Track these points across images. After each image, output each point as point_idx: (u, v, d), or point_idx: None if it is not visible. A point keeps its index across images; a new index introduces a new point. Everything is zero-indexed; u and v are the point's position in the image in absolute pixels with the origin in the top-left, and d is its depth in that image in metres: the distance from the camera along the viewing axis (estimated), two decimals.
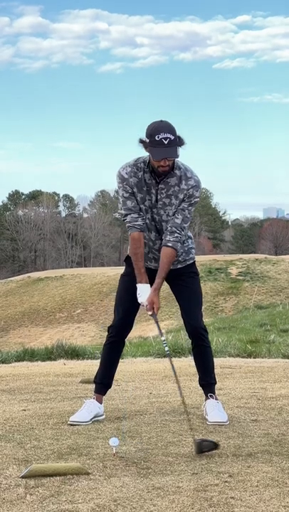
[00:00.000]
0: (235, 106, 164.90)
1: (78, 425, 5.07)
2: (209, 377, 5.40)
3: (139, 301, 5.12)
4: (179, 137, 4.92)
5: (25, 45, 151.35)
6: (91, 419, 5.17)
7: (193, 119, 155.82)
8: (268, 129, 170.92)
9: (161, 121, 4.97)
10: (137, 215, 5.11)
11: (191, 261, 5.39)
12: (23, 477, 3.80)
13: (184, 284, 5.34)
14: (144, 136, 4.98)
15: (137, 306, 5.27)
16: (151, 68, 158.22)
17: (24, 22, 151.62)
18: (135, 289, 5.19)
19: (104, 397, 5.41)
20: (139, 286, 5.12)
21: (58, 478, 3.79)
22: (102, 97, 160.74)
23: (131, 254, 5.19)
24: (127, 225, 5.16)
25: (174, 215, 5.13)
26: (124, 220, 5.19)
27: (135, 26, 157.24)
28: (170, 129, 4.91)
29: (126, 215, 5.13)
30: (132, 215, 5.11)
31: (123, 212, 5.16)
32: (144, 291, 5.09)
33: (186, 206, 5.12)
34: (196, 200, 5.16)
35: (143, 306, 5.12)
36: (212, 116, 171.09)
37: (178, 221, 5.12)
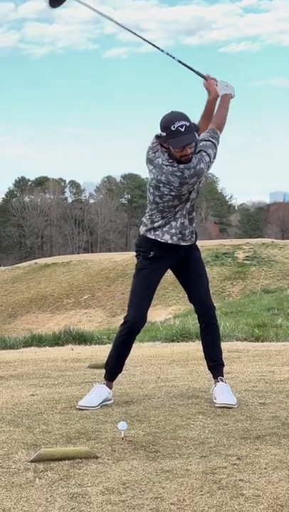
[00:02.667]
0: (241, 90, 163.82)
1: (86, 410, 5.08)
2: (218, 358, 5.40)
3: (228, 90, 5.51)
4: (194, 124, 4.97)
5: (31, 31, 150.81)
6: (99, 404, 5.18)
7: (199, 104, 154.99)
8: (274, 112, 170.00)
9: (172, 111, 4.99)
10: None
11: (194, 241, 5.38)
12: (32, 461, 3.82)
13: (189, 263, 5.34)
14: (159, 132, 5.00)
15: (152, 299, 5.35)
16: (157, 53, 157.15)
17: (29, 7, 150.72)
18: (153, 282, 5.25)
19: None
20: (218, 88, 5.49)
21: (66, 462, 3.81)
22: (107, 83, 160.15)
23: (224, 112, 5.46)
24: (218, 137, 5.28)
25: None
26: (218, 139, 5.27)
27: (140, 11, 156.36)
28: (183, 116, 4.96)
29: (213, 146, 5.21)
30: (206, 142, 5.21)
31: (212, 153, 5.17)
32: (222, 86, 5.50)
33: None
34: None
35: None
36: None
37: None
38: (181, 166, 5.00)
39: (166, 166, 5.03)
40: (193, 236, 5.30)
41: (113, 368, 5.38)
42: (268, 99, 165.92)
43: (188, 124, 4.92)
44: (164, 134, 4.95)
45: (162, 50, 5.45)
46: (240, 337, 10.38)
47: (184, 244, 5.23)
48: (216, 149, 5.20)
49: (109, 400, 5.29)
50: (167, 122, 4.93)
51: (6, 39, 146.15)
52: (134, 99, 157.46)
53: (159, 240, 5.19)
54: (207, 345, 5.43)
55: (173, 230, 5.17)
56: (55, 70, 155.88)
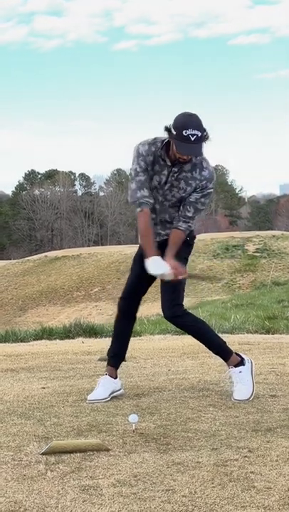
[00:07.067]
0: (250, 82, 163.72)
1: (97, 403, 5.08)
2: (218, 348, 5.32)
3: (152, 272, 5.02)
4: (206, 134, 4.89)
5: (40, 24, 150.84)
6: (109, 395, 5.18)
7: (208, 96, 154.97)
8: (283, 104, 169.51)
9: (191, 115, 4.90)
10: (148, 192, 5.08)
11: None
12: (43, 454, 3.83)
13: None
14: (169, 125, 4.95)
15: (147, 285, 5.30)
16: (166, 45, 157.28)
17: (38, 0, 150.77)
18: (140, 261, 5.18)
19: (122, 374, 5.42)
20: (150, 259, 5.02)
21: (78, 454, 3.81)
22: (117, 75, 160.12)
23: (142, 229, 5.12)
24: (140, 200, 5.08)
25: (184, 206, 5.11)
26: (135, 194, 5.10)
27: (150, 3, 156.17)
28: (198, 124, 4.87)
29: (138, 189, 5.09)
30: (144, 190, 5.07)
31: (134, 186, 5.09)
32: (155, 262, 5.00)
33: (198, 198, 5.11)
34: (210, 191, 5.14)
35: (157, 276, 5.06)
36: (227, 92, 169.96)
37: (189, 214, 5.12)
38: (147, 159, 5.03)
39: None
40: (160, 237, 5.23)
41: (114, 352, 5.39)
42: (278, 91, 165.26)
43: (200, 134, 4.85)
44: (174, 133, 4.91)
45: None
46: (251, 329, 10.38)
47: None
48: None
49: (118, 390, 5.29)
50: (182, 125, 4.86)
51: (15, 33, 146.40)
52: (143, 91, 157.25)
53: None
54: (202, 343, 5.41)
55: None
56: (65, 63, 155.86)
